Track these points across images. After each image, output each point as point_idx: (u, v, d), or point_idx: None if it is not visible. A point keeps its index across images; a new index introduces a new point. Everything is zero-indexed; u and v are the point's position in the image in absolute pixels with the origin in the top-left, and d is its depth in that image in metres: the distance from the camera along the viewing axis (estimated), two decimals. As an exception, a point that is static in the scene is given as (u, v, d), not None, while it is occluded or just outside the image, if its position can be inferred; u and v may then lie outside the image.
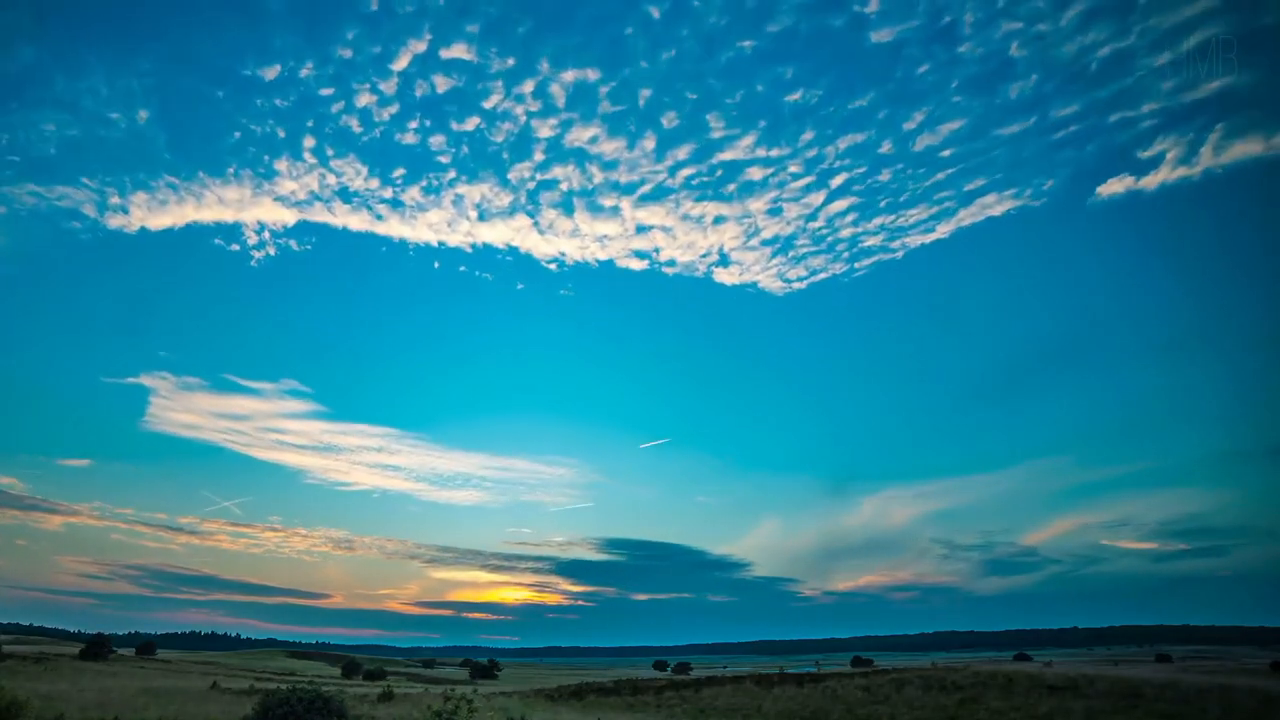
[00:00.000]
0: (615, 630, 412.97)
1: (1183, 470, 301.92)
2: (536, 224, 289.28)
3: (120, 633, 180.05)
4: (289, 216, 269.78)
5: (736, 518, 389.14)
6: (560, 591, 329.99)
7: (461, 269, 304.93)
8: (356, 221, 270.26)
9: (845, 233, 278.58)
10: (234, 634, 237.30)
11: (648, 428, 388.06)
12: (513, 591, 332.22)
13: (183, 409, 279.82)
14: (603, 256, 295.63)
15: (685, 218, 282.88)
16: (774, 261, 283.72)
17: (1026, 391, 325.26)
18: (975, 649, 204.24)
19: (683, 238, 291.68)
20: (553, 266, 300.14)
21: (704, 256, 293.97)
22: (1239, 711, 23.31)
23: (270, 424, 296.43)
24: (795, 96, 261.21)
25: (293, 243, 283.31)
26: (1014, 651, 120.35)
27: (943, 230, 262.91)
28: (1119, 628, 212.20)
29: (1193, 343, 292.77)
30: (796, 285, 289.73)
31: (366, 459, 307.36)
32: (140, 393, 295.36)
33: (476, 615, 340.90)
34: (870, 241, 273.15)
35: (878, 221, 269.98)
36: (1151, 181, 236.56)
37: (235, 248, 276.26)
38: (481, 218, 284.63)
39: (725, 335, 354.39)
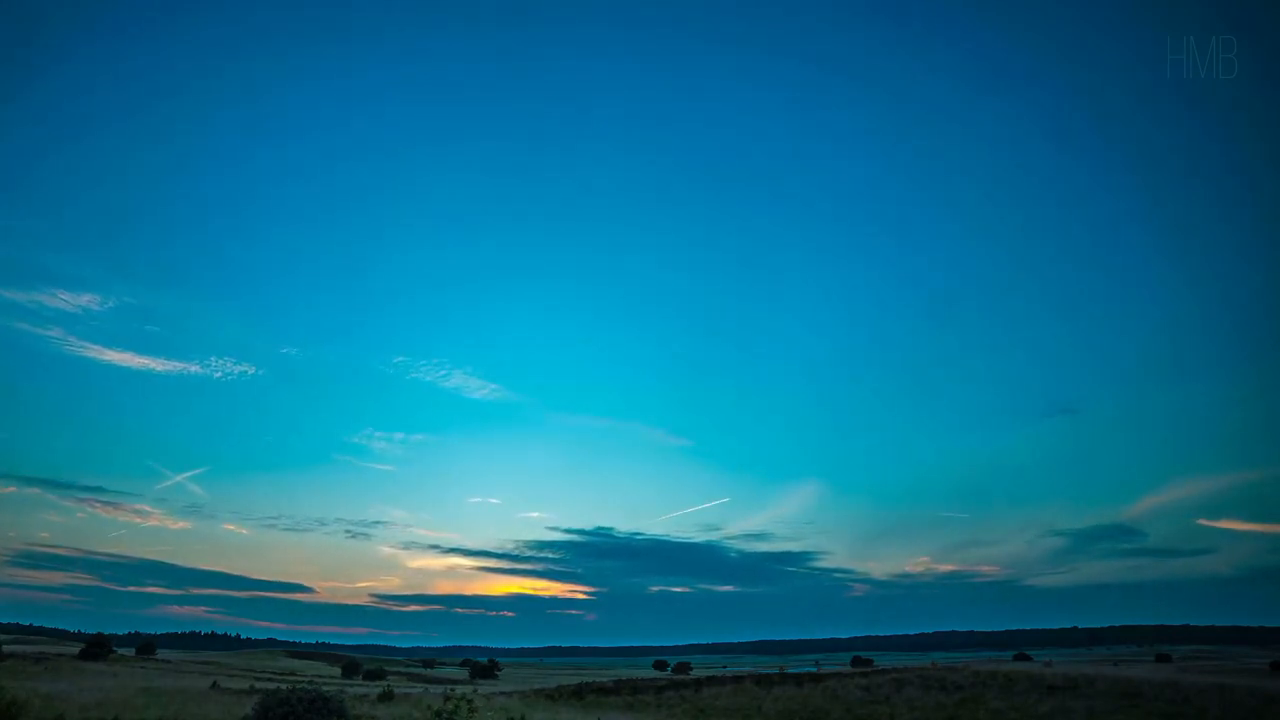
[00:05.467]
0: (618, 629, 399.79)
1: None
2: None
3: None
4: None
5: (763, 481, 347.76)
6: (560, 580, 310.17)
7: None
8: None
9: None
10: (234, 633, 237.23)
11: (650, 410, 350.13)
12: (503, 584, 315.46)
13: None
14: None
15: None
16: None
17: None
18: (975, 649, 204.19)
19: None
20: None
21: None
22: (1239, 711, 23.32)
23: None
24: None
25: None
26: (1013, 652, 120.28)
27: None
28: (1119, 628, 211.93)
29: None
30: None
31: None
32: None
33: (469, 611, 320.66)
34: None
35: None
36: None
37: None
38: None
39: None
